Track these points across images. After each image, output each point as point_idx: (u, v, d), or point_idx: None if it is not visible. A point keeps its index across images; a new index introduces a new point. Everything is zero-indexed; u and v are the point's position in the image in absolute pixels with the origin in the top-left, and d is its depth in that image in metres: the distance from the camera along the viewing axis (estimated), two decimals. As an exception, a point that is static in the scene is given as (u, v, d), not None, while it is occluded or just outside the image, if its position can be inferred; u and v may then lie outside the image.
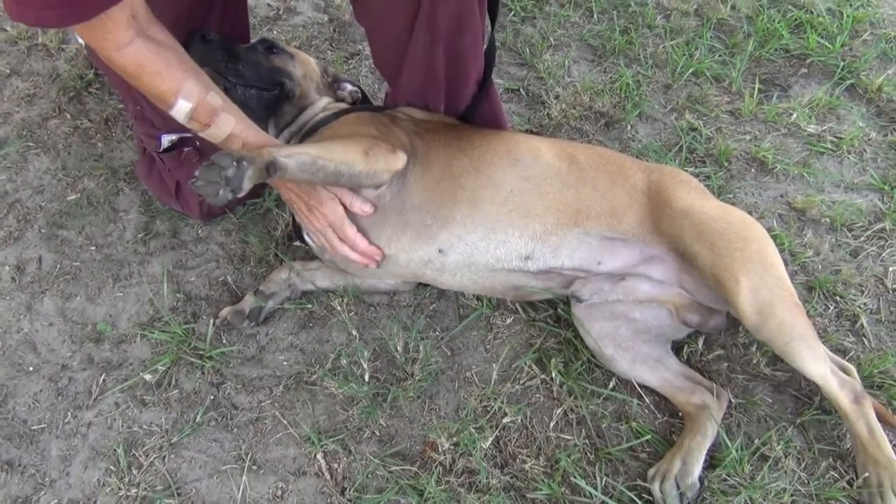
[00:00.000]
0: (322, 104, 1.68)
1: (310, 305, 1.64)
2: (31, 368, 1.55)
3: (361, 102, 1.78)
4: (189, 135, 1.68)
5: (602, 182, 1.52)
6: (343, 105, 1.72)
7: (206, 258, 1.75)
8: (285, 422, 1.47)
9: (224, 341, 1.59)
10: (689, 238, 1.42)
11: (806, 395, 1.48)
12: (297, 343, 1.59)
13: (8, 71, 2.15)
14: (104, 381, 1.53)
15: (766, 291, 1.35)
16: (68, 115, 2.04)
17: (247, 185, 1.22)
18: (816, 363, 1.34)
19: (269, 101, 1.60)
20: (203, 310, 1.65)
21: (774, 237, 1.70)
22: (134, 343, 1.59)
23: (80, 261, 1.74)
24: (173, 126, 1.64)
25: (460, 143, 1.54)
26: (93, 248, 1.76)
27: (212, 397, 1.50)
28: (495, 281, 1.52)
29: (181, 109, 1.33)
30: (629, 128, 1.99)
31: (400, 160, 1.46)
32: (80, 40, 2.09)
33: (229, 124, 1.38)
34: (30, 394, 1.51)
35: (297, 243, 1.73)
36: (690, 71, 2.11)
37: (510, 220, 1.48)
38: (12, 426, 1.46)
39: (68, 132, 2.00)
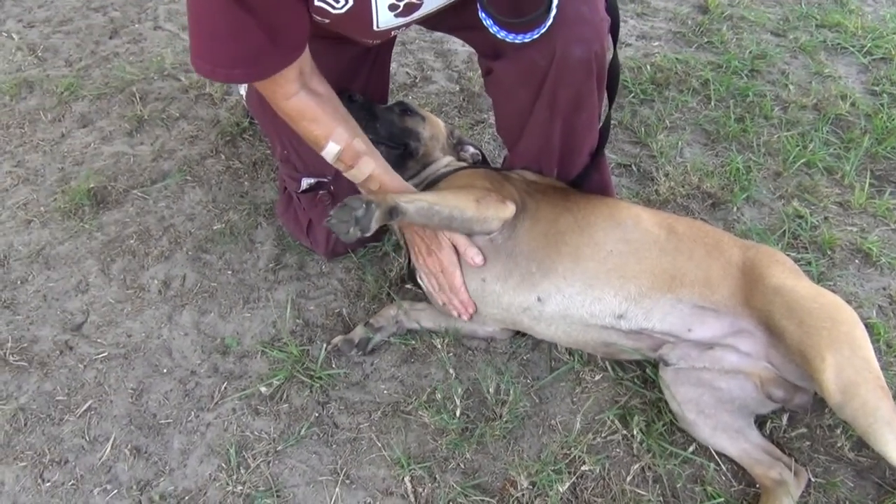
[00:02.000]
0: (445, 162, 1.85)
1: (413, 342, 1.77)
2: (165, 370, 1.75)
3: (481, 164, 1.95)
4: (325, 180, 1.88)
5: (698, 253, 1.60)
6: (463, 164, 1.89)
7: (326, 291, 1.92)
8: (379, 444, 1.59)
9: (333, 365, 1.74)
10: (778, 314, 1.47)
11: (890, 483, 1.48)
12: (398, 375, 1.72)
13: (178, 114, 2.46)
14: (225, 388, 1.70)
15: (852, 371, 1.38)
16: (223, 156, 2.31)
17: (374, 226, 1.41)
18: (900, 449, 1.35)
19: (397, 156, 1.79)
20: (318, 336, 1.81)
21: (871, 327, 1.72)
22: (255, 359, 1.77)
23: (218, 282, 1.95)
24: (313, 170, 1.86)
25: (567, 204, 1.67)
26: (230, 272, 1.98)
27: (317, 414, 1.65)
28: (588, 335, 1.62)
29: (330, 151, 1.56)
30: (735, 210, 2.06)
31: (509, 210, 1.60)
32: (242, 92, 2.38)
33: (369, 167, 1.59)
34: (161, 392, 1.70)
35: (409, 286, 1.89)
36: (802, 161, 2.16)
37: (607, 279, 1.57)
38: (144, 417, 1.65)
39: (221, 171, 2.26)
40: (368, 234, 1.42)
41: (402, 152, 1.80)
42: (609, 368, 1.70)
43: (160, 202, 2.17)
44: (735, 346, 1.54)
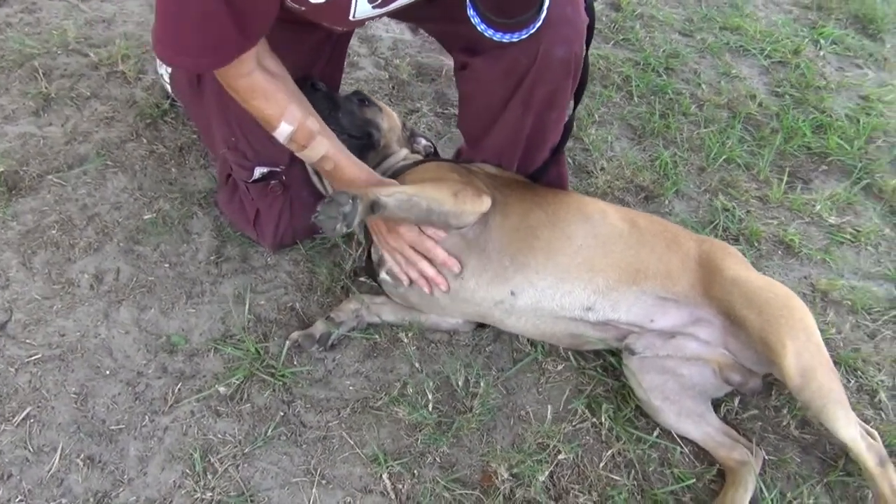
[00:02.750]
0: (402, 154, 1.83)
1: (375, 336, 1.75)
2: (108, 372, 1.63)
3: (434, 156, 1.94)
4: (278, 169, 1.81)
5: (659, 247, 1.67)
6: (419, 157, 1.87)
7: (274, 284, 1.85)
8: (352, 442, 1.56)
9: (295, 362, 1.69)
10: (738, 304, 1.57)
11: (831, 457, 1.62)
12: (363, 370, 1.69)
13: (88, 93, 2.27)
14: (179, 389, 1.61)
15: (808, 356, 1.50)
16: (145, 140, 2.16)
17: (357, 221, 1.38)
18: (849, 426, 1.48)
19: (358, 147, 1.75)
20: (273, 331, 1.75)
21: (801, 313, 1.87)
22: (206, 357, 1.68)
23: (155, 276, 1.83)
24: (265, 159, 1.79)
25: (535, 199, 1.69)
26: (167, 265, 1.86)
27: (282, 414, 1.59)
28: (556, 328, 1.65)
29: (283, 131, 1.53)
30: (667, 202, 2.16)
31: (485, 203, 1.60)
32: (161, 71, 2.24)
33: (323, 147, 1.57)
34: (108, 395, 1.59)
35: (364, 278, 1.86)
36: (723, 158, 2.30)
37: (578, 273, 1.62)
38: (92, 424, 1.53)
39: (144, 155, 2.12)
40: (351, 230, 1.39)
41: (366, 143, 1.76)
42: (571, 358, 1.75)
43: (80, 189, 2.00)
44: (695, 335, 1.63)
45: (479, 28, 1.42)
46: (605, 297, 1.62)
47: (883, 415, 1.70)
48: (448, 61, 2.58)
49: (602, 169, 2.22)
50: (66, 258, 1.84)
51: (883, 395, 1.72)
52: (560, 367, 1.74)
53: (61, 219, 1.92)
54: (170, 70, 2.15)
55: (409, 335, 1.74)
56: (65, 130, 2.15)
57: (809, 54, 2.80)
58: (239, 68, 1.45)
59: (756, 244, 2.05)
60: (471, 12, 1.40)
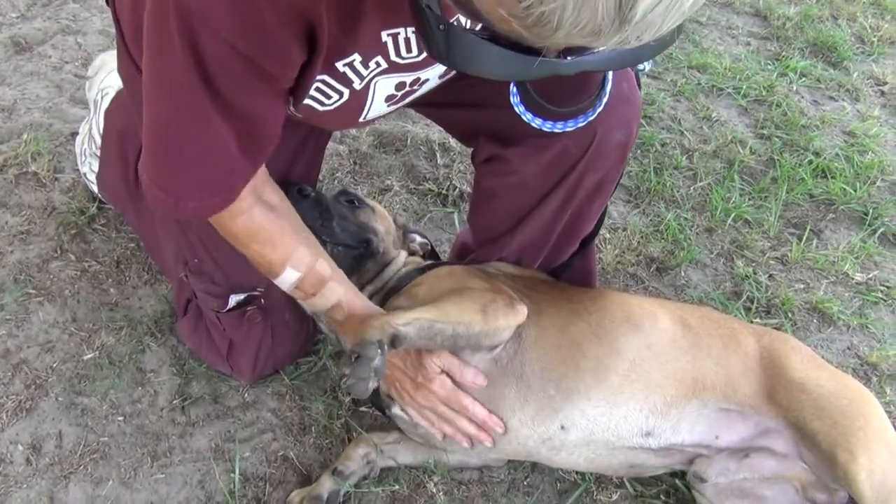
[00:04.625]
0: (402, 259, 1.54)
1: (395, 486, 1.45)
2: (70, 578, 1.29)
3: (431, 254, 1.67)
4: (256, 293, 1.49)
5: (716, 348, 1.44)
6: (418, 259, 1.59)
7: (258, 428, 1.53)
8: None
9: (302, 534, 1.37)
10: (808, 414, 1.35)
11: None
12: (386, 532, 1.40)
13: (-5, 203, 1.90)
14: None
15: (893, 475, 1.29)
16: (72, 257, 1.80)
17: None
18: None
19: (355, 258, 1.46)
20: (268, 493, 1.43)
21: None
22: (188, 539, 1.36)
23: (108, 435, 1.49)
24: (240, 283, 1.48)
25: (571, 306, 1.43)
26: (120, 418, 1.52)
27: None
28: (613, 459, 1.40)
29: (287, 279, 1.24)
30: (682, 274, 1.94)
31: (521, 313, 1.34)
32: (83, 170, 1.89)
33: (335, 294, 1.27)
34: None
35: (366, 408, 1.56)
36: (730, 215, 2.10)
37: (632, 393, 1.37)
38: None
39: (74, 276, 1.76)
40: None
41: (364, 251, 1.47)
42: (626, 484, 1.49)
43: (-1, 329, 1.64)
44: (769, 448, 1.40)
45: (524, 118, 1.14)
46: (664, 417, 1.37)
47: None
48: (411, 127, 2.31)
49: (606, 241, 1.98)
50: (-10, 426, 1.48)
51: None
52: (615, 497, 1.48)
53: (-22, 373, 1.55)
54: (95, 168, 1.81)
55: (436, 479, 1.45)
56: (-30, 255, 1.77)
57: (783, 89, 2.66)
58: (236, 205, 1.15)
59: (790, 315, 1.85)
60: (515, 100, 1.13)
